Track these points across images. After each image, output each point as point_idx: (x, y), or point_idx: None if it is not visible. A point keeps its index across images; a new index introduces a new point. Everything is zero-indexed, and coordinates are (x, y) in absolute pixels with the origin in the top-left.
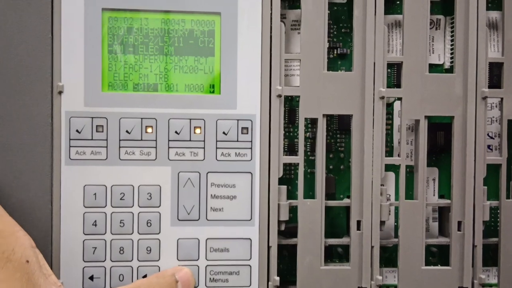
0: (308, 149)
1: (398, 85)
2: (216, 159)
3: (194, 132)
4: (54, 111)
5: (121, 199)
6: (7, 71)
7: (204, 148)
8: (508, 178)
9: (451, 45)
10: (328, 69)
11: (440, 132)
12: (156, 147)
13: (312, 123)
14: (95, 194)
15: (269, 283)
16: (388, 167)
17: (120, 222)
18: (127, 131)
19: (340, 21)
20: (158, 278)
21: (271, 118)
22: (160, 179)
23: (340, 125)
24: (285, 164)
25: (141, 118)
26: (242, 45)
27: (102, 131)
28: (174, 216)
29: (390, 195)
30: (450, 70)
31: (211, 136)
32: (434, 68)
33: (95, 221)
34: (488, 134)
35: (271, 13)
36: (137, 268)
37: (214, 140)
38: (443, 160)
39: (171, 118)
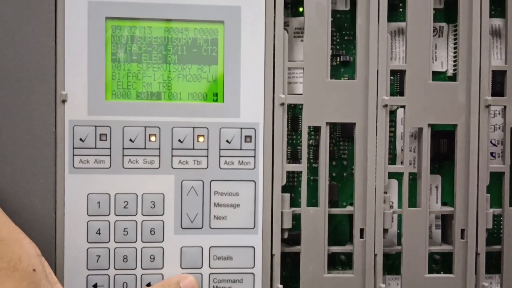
0: (311, 157)
1: (401, 93)
2: (220, 167)
3: (198, 141)
4: (57, 119)
5: (124, 207)
6: (11, 79)
7: (207, 156)
8: (511, 186)
9: (454, 52)
10: (331, 77)
11: (443, 140)
12: (159, 156)
13: (315, 130)
14: (98, 202)
15: None
16: (391, 174)
17: (124, 230)
18: (130, 140)
19: (343, 29)
20: (163, 287)
21: (274, 126)
22: (163, 187)
23: (343, 133)
24: (288, 172)
25: (145, 127)
26: (245, 54)
27: (106, 140)
28: (178, 224)
29: (393, 203)
30: (453, 77)
31: (215, 144)
32: (437, 75)
33: (99, 229)
34: (491, 141)
35: (274, 22)
36: (141, 276)
37: (217, 148)
38: (446, 167)
39: (175, 127)
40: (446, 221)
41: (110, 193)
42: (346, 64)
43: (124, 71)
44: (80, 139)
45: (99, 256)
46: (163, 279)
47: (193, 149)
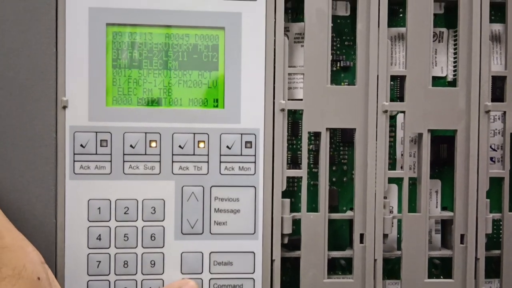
0: (311, 162)
1: (401, 98)
2: (220, 173)
3: (198, 146)
4: (58, 125)
5: (125, 213)
6: (12, 85)
7: (208, 162)
8: (510, 191)
9: (454, 57)
10: (331, 82)
11: (443, 145)
12: (160, 161)
13: (315, 135)
14: (99, 208)
15: None
16: (391, 179)
17: (124, 236)
18: (131, 146)
19: (343, 34)
20: None
21: (275, 132)
22: (164, 193)
23: (343, 138)
24: (288, 177)
25: (145, 133)
26: (246, 60)
27: (106, 146)
28: (178, 230)
29: (393, 207)
30: (453, 82)
31: (215, 150)
32: (437, 80)
33: (100, 235)
34: (490, 146)
35: (274, 28)
36: (141, 281)
37: (218, 154)
38: (446, 172)
39: (175, 133)
40: (445, 225)
41: (110, 198)
42: (346, 69)
43: (125, 77)
44: (81, 145)
45: (100, 261)
46: (163, 284)
47: (194, 154)
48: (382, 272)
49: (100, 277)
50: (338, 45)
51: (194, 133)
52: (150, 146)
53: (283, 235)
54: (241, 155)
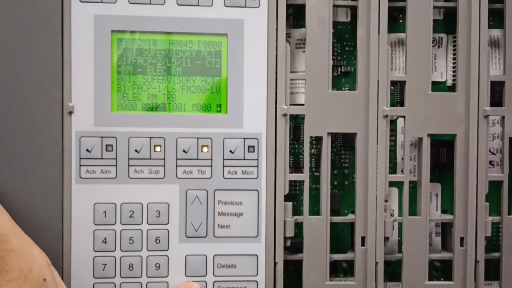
0: (313, 165)
1: (401, 102)
2: (223, 177)
3: (202, 151)
4: (64, 131)
5: (130, 216)
6: (19, 92)
7: (211, 166)
8: (509, 194)
9: (453, 62)
10: (332, 87)
11: (443, 149)
12: (164, 166)
13: (317, 139)
14: (105, 212)
15: None
16: (392, 182)
17: (130, 239)
18: (136, 150)
19: (344, 40)
20: None
21: (277, 136)
22: (168, 197)
23: (344, 142)
24: (290, 180)
25: (150, 137)
26: (248, 65)
27: (112, 150)
28: (182, 233)
29: (393, 210)
30: (453, 87)
31: (218, 154)
32: (437, 85)
33: (105, 238)
34: (489, 150)
35: (276, 34)
36: (146, 284)
37: (221, 158)
38: (446, 175)
39: (179, 137)
40: (446, 228)
41: (116, 202)
42: (347, 75)
43: (130, 83)
44: (87, 150)
45: (105, 264)
46: (168, 287)
47: (197, 159)
48: (384, 274)
49: (105, 279)
50: (339, 51)
51: (197, 138)
52: (154, 151)
53: (285, 238)
54: (244, 159)
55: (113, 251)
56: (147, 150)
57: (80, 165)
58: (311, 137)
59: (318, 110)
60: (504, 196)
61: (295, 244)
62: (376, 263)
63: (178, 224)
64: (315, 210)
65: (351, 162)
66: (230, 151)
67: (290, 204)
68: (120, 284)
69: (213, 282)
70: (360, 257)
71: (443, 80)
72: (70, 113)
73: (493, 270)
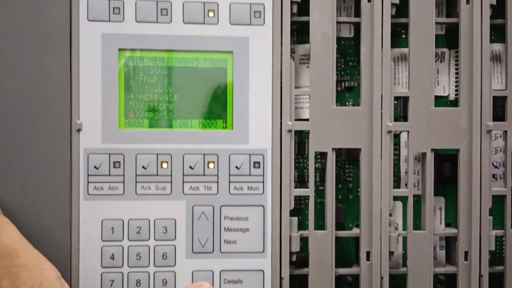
0: (317, 180)
1: (405, 117)
2: (229, 193)
3: (208, 167)
4: (73, 148)
5: (137, 232)
6: (28, 110)
7: (217, 182)
8: None
9: (456, 77)
10: (336, 102)
11: (446, 163)
12: (171, 182)
13: (321, 154)
14: (112, 228)
15: None
16: (396, 197)
17: (137, 255)
18: (143, 167)
19: (348, 55)
20: None
21: (282, 152)
22: (175, 213)
23: (348, 156)
24: (295, 195)
25: (157, 154)
26: (253, 82)
27: (119, 167)
28: (189, 249)
29: (397, 224)
30: (455, 101)
31: (224, 170)
32: (439, 99)
33: (113, 254)
34: (492, 164)
35: (281, 51)
36: None
37: (227, 174)
38: (449, 189)
39: (186, 154)
40: (450, 241)
41: (123, 218)
42: (350, 89)
43: (137, 100)
44: (95, 167)
45: (113, 280)
46: None
47: (204, 175)
48: None
49: None
50: (343, 66)
51: (204, 154)
52: (161, 167)
53: (291, 253)
54: (249, 175)
55: (121, 267)
56: (154, 166)
57: (88, 182)
58: (315, 152)
59: (323, 125)
60: (507, 209)
61: (300, 259)
62: (381, 277)
63: (185, 240)
64: (320, 224)
65: (356, 176)
66: (236, 167)
67: (295, 219)
68: None
69: None
70: (365, 272)
71: (446, 94)
72: (78, 130)
73: (497, 283)
